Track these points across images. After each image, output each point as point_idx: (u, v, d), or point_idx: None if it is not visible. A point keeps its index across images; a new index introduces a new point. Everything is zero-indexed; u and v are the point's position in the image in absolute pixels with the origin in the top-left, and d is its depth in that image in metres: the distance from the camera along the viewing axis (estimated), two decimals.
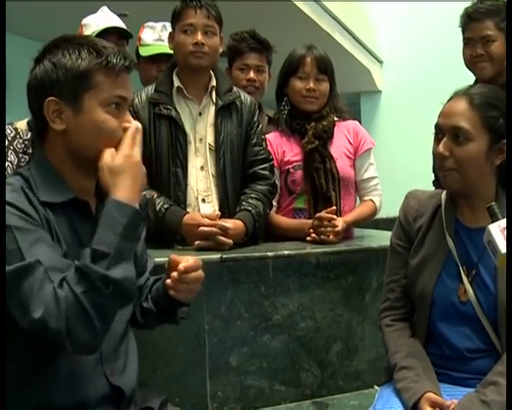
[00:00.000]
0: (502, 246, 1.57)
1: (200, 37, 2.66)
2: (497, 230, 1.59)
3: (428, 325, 1.88)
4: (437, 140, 1.84)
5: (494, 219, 1.62)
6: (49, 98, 1.52)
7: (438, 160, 1.82)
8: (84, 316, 1.36)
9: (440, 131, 1.82)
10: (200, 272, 1.69)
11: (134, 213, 1.46)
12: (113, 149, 1.52)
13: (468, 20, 2.93)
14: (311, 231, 2.74)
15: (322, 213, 2.73)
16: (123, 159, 1.50)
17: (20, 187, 1.50)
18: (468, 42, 2.94)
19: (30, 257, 1.39)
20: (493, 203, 1.65)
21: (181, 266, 1.64)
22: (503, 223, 1.60)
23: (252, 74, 3.28)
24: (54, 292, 1.36)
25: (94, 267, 1.38)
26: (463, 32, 2.97)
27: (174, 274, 1.66)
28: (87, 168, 1.57)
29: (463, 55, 2.97)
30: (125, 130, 1.56)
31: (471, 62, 2.94)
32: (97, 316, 1.37)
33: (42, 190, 1.53)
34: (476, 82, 2.94)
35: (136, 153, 1.52)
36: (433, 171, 2.93)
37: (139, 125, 1.57)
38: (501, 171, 1.83)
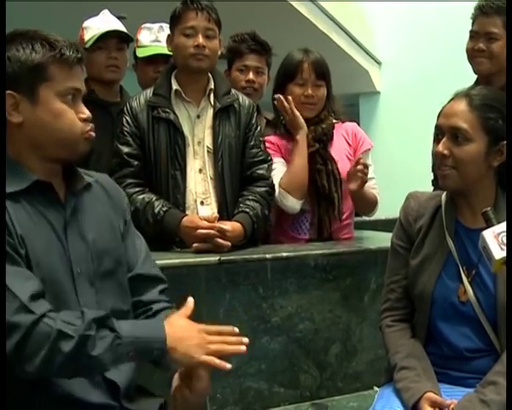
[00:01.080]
0: (496, 252, 1.57)
1: (201, 39, 2.67)
2: (492, 236, 1.59)
3: (428, 325, 1.89)
4: (437, 140, 1.84)
5: (489, 224, 1.63)
6: (6, 92, 1.53)
7: (437, 159, 1.82)
8: (42, 346, 1.37)
9: (440, 132, 1.83)
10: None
11: (160, 342, 1.48)
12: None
13: (479, 12, 2.92)
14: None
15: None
16: (199, 336, 1.55)
17: None
18: (472, 35, 2.92)
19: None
20: (488, 209, 1.66)
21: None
22: (497, 229, 1.60)
23: (251, 76, 3.27)
24: (24, 305, 1.38)
25: (90, 324, 1.41)
26: (472, 24, 2.96)
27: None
28: (49, 159, 1.59)
29: (466, 47, 2.95)
30: (84, 120, 1.59)
31: (472, 55, 2.92)
32: (47, 355, 1.37)
33: (6, 181, 1.53)
34: (477, 82, 2.94)
35: (211, 343, 1.54)
36: (433, 170, 2.95)
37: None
38: (500, 172, 1.84)
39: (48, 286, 1.49)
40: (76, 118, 1.58)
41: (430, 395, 1.72)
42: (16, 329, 1.36)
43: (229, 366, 1.53)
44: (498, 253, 1.57)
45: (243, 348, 1.58)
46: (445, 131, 1.81)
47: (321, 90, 2.95)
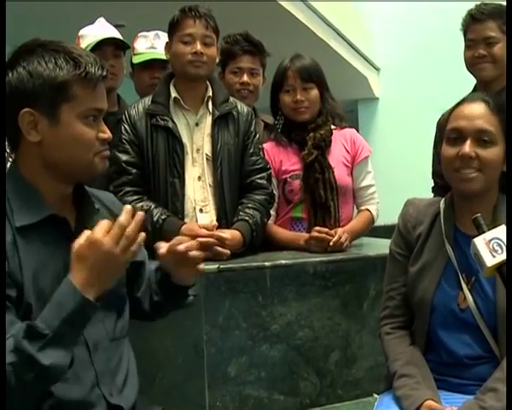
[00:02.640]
0: (487, 259, 1.58)
1: (199, 46, 2.67)
2: (483, 243, 1.60)
3: (428, 333, 1.88)
4: (451, 144, 1.82)
5: (480, 231, 1.63)
6: (25, 110, 1.46)
7: (460, 161, 1.79)
8: (11, 383, 1.32)
9: (460, 135, 1.81)
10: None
11: (83, 301, 1.37)
12: (88, 232, 1.41)
13: (471, 21, 2.92)
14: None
15: (321, 228, 2.75)
16: (88, 244, 1.39)
17: None
18: (470, 43, 2.91)
19: None
20: (478, 215, 1.65)
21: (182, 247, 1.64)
22: (488, 235, 1.60)
23: (245, 78, 3.24)
24: None
25: (24, 345, 1.33)
26: (465, 35, 2.97)
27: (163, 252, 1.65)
28: (63, 179, 1.55)
29: (464, 57, 2.95)
30: (101, 140, 1.54)
31: (472, 63, 2.91)
32: (17, 388, 1.33)
33: (17, 210, 1.48)
34: (476, 88, 2.95)
35: (108, 242, 1.38)
36: (433, 177, 2.95)
37: (127, 207, 1.45)
38: (502, 176, 1.85)
39: None
40: (94, 139, 1.52)
41: (430, 402, 1.72)
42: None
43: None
44: (490, 260, 1.58)
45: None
46: (467, 133, 1.79)
47: (311, 92, 2.94)
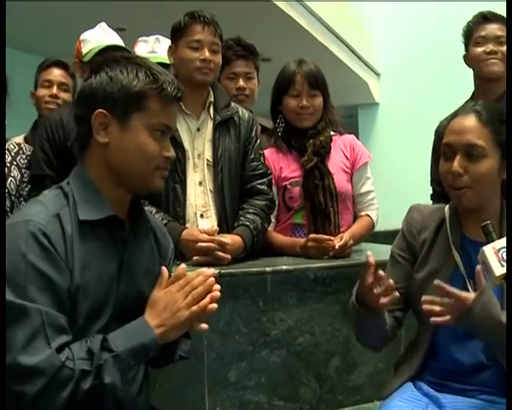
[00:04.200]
0: (496, 268, 1.58)
1: (207, 53, 2.69)
2: (492, 251, 1.60)
3: (432, 340, 1.89)
4: (446, 159, 1.84)
5: (489, 238, 1.63)
6: (99, 110, 1.55)
7: (451, 178, 1.82)
8: (64, 389, 1.38)
9: (450, 150, 1.82)
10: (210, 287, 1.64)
11: (152, 339, 1.50)
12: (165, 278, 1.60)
13: (483, 20, 2.96)
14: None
15: (319, 235, 2.74)
16: (164, 294, 1.57)
17: (56, 214, 1.50)
18: (480, 40, 2.94)
19: (31, 301, 1.39)
20: (488, 222, 1.66)
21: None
22: (497, 244, 1.60)
23: (241, 82, 3.27)
24: (51, 353, 1.38)
25: (99, 355, 1.42)
26: (471, 35, 2.98)
27: None
28: (122, 185, 1.60)
29: (471, 54, 2.96)
30: (164, 157, 1.60)
31: (482, 59, 2.92)
32: (67, 395, 1.39)
33: (81, 205, 1.55)
34: (473, 95, 2.95)
35: (177, 294, 1.56)
36: (431, 185, 2.95)
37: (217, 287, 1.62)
38: (504, 184, 1.85)
39: (86, 309, 1.51)
40: (158, 153, 1.59)
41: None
42: (41, 375, 1.36)
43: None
44: (498, 269, 1.58)
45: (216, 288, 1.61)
46: (457, 149, 1.80)
47: (316, 99, 2.96)
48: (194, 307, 1.54)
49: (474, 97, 2.91)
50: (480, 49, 2.92)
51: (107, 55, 1.66)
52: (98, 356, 1.42)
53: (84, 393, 1.40)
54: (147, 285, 1.64)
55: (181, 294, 1.55)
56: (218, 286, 1.61)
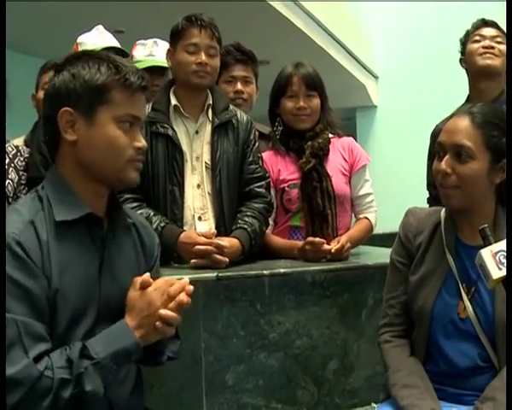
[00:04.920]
0: (493, 272, 1.58)
1: (203, 57, 2.69)
2: (489, 255, 1.60)
3: (427, 342, 1.89)
4: (438, 158, 1.85)
5: (486, 242, 1.63)
6: (64, 108, 1.53)
7: (440, 177, 1.83)
8: (44, 399, 1.38)
9: (442, 149, 1.83)
10: (184, 297, 1.60)
11: (133, 342, 1.51)
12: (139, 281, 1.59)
13: (483, 24, 3.04)
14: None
15: (315, 239, 2.73)
16: (140, 294, 1.58)
17: (31, 221, 1.49)
18: (478, 38, 3.00)
19: (7, 311, 1.38)
20: (486, 226, 1.66)
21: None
22: (495, 247, 1.60)
23: (239, 86, 3.28)
24: (28, 363, 1.37)
25: (78, 363, 1.42)
26: (469, 36, 3.05)
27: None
28: (97, 180, 1.59)
29: (467, 52, 3.03)
30: (136, 149, 1.58)
31: (478, 53, 2.98)
32: (49, 406, 1.38)
33: (56, 206, 1.53)
34: (469, 98, 2.97)
35: (154, 294, 1.56)
36: (428, 188, 2.96)
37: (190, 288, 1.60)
38: (500, 189, 1.85)
39: (69, 313, 1.50)
40: (128, 145, 1.57)
41: None
42: (19, 386, 1.36)
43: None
44: (496, 272, 1.58)
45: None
46: (447, 148, 1.81)
47: (313, 100, 2.96)
48: (171, 305, 1.54)
49: (468, 100, 2.93)
50: (477, 45, 2.98)
51: (70, 55, 1.63)
52: (78, 364, 1.41)
53: (65, 401, 1.39)
54: (124, 280, 1.64)
55: (158, 292, 1.56)
56: (191, 287, 1.59)
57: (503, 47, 2.95)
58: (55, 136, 1.58)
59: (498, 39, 2.96)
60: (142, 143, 1.60)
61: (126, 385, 1.66)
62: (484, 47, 2.95)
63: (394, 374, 1.88)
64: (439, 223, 1.94)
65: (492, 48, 2.94)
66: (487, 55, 2.95)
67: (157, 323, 1.53)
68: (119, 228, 1.68)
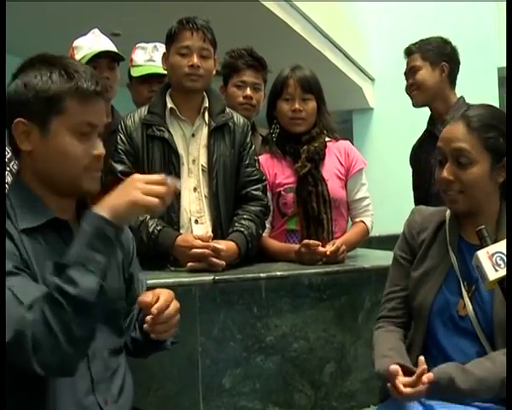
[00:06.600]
0: (490, 273, 1.59)
1: (195, 59, 2.68)
2: (485, 256, 1.61)
3: (426, 338, 1.90)
4: (440, 166, 1.86)
5: (483, 243, 1.64)
6: (18, 119, 1.51)
7: (443, 184, 1.84)
8: (50, 335, 1.33)
9: (442, 156, 1.84)
10: (174, 306, 1.60)
11: (98, 220, 1.40)
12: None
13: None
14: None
15: (310, 241, 2.73)
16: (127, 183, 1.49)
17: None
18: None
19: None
20: (482, 227, 1.67)
21: (154, 310, 1.54)
22: (491, 249, 1.61)
23: (248, 91, 3.27)
24: (22, 316, 1.33)
25: (51, 278, 1.36)
26: None
27: (148, 318, 1.56)
28: (57, 190, 1.57)
29: None
30: (93, 157, 1.55)
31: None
32: (62, 334, 1.33)
33: (20, 214, 1.51)
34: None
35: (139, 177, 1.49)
36: (415, 202, 3.02)
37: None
38: (504, 186, 1.87)
39: None
40: (83, 154, 1.54)
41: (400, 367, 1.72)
42: (23, 335, 1.32)
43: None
44: (492, 273, 1.59)
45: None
46: (447, 155, 1.83)
47: (309, 104, 2.96)
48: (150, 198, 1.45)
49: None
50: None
51: (24, 61, 1.60)
52: (51, 281, 1.36)
53: (76, 321, 1.34)
54: (110, 278, 1.61)
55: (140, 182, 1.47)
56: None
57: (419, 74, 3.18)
58: (15, 144, 1.56)
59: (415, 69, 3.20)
60: (99, 150, 1.58)
61: (114, 386, 1.65)
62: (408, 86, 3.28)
63: (380, 359, 1.87)
64: (444, 221, 1.96)
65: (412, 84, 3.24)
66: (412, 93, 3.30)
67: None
68: None
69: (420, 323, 1.91)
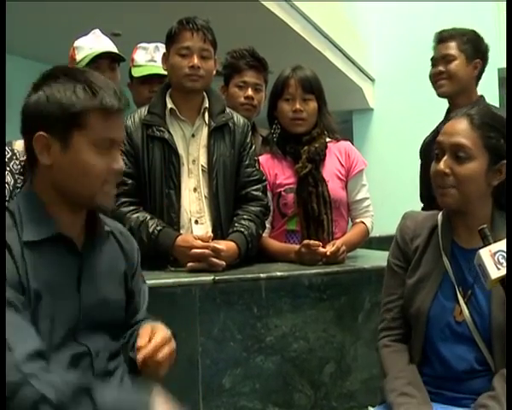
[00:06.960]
0: (492, 271, 1.59)
1: (196, 60, 2.68)
2: (488, 254, 1.61)
3: (424, 345, 1.89)
4: (436, 159, 1.86)
5: (485, 242, 1.64)
6: (39, 133, 1.51)
7: (438, 177, 1.84)
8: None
9: (440, 150, 1.84)
10: (168, 349, 1.62)
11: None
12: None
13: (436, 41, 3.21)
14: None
15: (310, 242, 2.73)
16: None
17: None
18: (432, 62, 3.19)
19: None
20: (485, 226, 1.67)
21: (139, 357, 1.57)
22: (493, 247, 1.62)
23: (250, 92, 3.28)
24: (15, 366, 1.31)
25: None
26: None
27: (139, 358, 1.58)
28: (73, 204, 1.58)
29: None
30: (112, 171, 1.57)
31: (433, 81, 3.19)
32: None
33: (26, 226, 1.52)
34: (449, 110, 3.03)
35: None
36: (421, 197, 3.00)
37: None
38: (497, 192, 1.86)
39: (51, 327, 1.48)
40: (104, 168, 1.54)
41: None
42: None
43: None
44: (494, 272, 1.59)
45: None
46: (445, 149, 1.82)
47: (310, 104, 2.95)
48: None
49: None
50: (431, 70, 3.14)
51: (47, 72, 1.59)
52: (69, 395, 1.33)
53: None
54: (111, 290, 1.64)
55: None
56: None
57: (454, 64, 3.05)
58: (33, 157, 1.56)
59: (449, 58, 3.06)
60: (120, 164, 1.59)
61: (112, 385, 1.63)
62: (435, 74, 3.12)
63: (393, 381, 1.87)
64: (436, 226, 1.95)
65: (442, 72, 3.07)
66: (438, 83, 3.13)
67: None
68: (98, 242, 1.66)
69: (417, 330, 1.90)
